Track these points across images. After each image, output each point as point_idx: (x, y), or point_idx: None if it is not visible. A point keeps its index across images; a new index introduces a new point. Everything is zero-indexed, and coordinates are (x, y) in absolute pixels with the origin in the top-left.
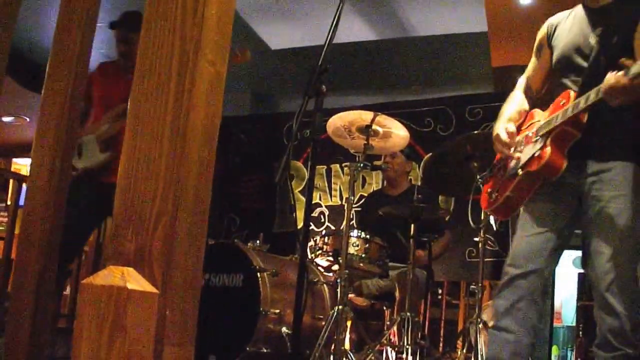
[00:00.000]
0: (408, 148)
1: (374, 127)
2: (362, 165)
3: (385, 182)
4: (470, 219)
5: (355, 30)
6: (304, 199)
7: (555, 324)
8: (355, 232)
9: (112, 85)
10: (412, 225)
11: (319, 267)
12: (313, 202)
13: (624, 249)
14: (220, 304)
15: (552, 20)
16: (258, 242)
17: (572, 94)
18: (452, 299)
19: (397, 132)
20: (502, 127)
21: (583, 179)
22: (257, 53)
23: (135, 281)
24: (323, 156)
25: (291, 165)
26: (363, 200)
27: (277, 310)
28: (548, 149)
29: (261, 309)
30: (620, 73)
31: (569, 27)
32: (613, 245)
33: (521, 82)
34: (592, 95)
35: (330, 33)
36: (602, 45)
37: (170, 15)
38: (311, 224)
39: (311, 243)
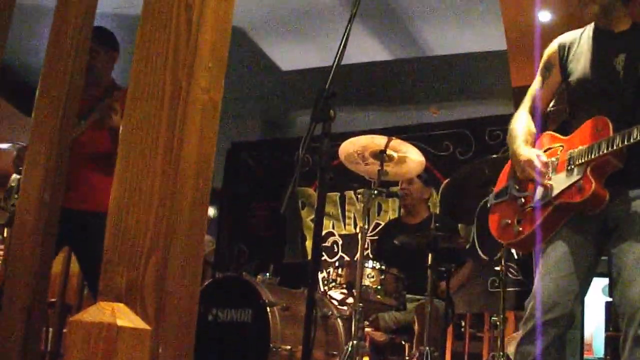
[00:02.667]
0: (426, 173)
1: (388, 152)
2: (376, 192)
3: (402, 210)
4: (479, 250)
5: (369, 50)
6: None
7: (585, 356)
8: (370, 263)
9: None
10: (430, 255)
11: (333, 300)
12: (326, 231)
13: None
14: (228, 340)
15: (564, 39)
16: (268, 274)
17: (610, 123)
18: (475, 331)
19: (412, 157)
20: (533, 153)
21: (615, 205)
22: (266, 75)
23: (126, 317)
24: (336, 183)
25: (302, 192)
26: (379, 228)
27: (288, 347)
28: (592, 180)
29: (271, 345)
30: None
31: (586, 49)
32: None
33: (526, 102)
34: (636, 132)
35: (339, 54)
36: (628, 71)
37: (162, 41)
38: (324, 254)
39: (324, 274)
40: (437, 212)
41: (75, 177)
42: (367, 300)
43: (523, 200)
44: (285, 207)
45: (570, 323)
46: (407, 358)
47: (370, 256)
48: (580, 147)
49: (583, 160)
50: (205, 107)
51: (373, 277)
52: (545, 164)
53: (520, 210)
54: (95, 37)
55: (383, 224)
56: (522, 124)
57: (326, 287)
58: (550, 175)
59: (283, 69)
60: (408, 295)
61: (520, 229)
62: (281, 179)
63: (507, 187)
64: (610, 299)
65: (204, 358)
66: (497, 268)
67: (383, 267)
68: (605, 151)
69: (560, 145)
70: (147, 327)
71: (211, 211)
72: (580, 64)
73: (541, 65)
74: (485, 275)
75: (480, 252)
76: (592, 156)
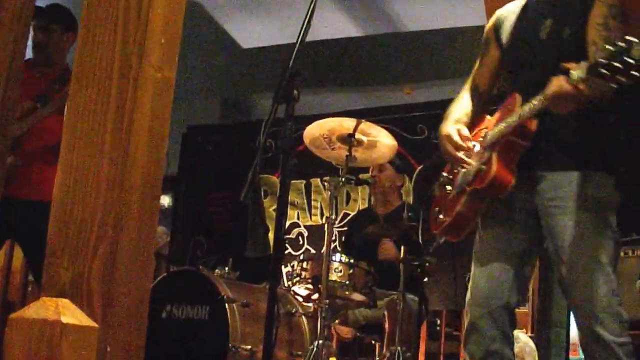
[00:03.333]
0: (399, 159)
1: (357, 135)
2: (344, 179)
3: (373, 199)
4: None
5: (337, 25)
6: None
7: (571, 357)
8: (337, 256)
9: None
10: (402, 248)
11: (297, 297)
12: (290, 221)
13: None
14: (183, 339)
15: (501, 11)
16: (227, 268)
17: (519, 97)
18: (452, 330)
19: (383, 141)
20: (453, 127)
21: (537, 194)
22: (226, 53)
23: (71, 314)
24: (302, 169)
25: (265, 180)
26: (348, 219)
27: (249, 347)
28: (494, 163)
29: (230, 344)
30: (563, 78)
31: (518, 19)
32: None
33: (468, 82)
34: (536, 103)
35: (303, 30)
36: (552, 39)
37: (110, 16)
38: (288, 246)
39: (288, 269)
40: (410, 201)
41: (29, 168)
42: (335, 296)
43: (449, 188)
44: (246, 196)
45: (511, 317)
46: (377, 358)
47: (338, 249)
48: (494, 128)
49: (490, 142)
50: (158, 87)
51: (341, 271)
52: (466, 139)
53: (446, 198)
54: (50, 15)
55: (352, 214)
56: (458, 103)
57: (290, 282)
58: (470, 160)
59: (244, 46)
60: (379, 291)
61: (442, 217)
62: (242, 166)
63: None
64: None
65: (157, 358)
66: None
67: (351, 260)
68: (506, 129)
69: (485, 127)
70: (94, 324)
71: (166, 200)
72: (510, 35)
73: (482, 41)
74: (463, 269)
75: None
76: (495, 136)
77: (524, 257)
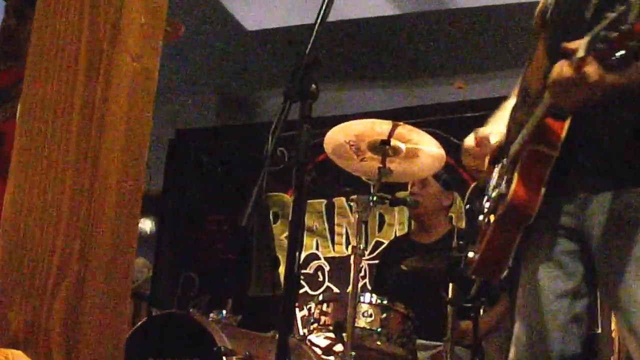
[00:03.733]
0: (447, 172)
1: (393, 142)
2: (375, 198)
3: (413, 224)
4: None
5: (368, 2)
6: None
7: None
8: (367, 297)
9: None
10: (451, 286)
11: (315, 348)
12: (307, 252)
13: None
14: None
15: None
16: (225, 312)
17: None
18: None
19: (427, 150)
20: (471, 135)
21: (584, 217)
22: (226, 37)
23: None
24: (322, 186)
25: (274, 200)
26: (381, 249)
27: None
28: (513, 182)
29: None
30: (564, 61)
31: (562, 3)
32: None
33: (518, 84)
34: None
35: (324, 7)
36: (597, 17)
37: None
38: (304, 284)
39: (304, 312)
40: (462, 225)
41: None
42: (363, 347)
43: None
44: (248, 220)
45: None
46: None
47: (369, 287)
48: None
49: (513, 153)
50: (136, 80)
51: (371, 315)
52: (482, 140)
53: (480, 227)
54: None
55: (386, 242)
56: (496, 118)
57: (306, 330)
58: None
59: (248, 28)
60: (420, 342)
61: (471, 255)
62: (245, 181)
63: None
64: None
65: None
66: None
67: (385, 302)
68: (524, 139)
69: None
70: None
71: (147, 225)
72: (552, 20)
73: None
74: None
75: None
76: (516, 148)
77: (576, 297)
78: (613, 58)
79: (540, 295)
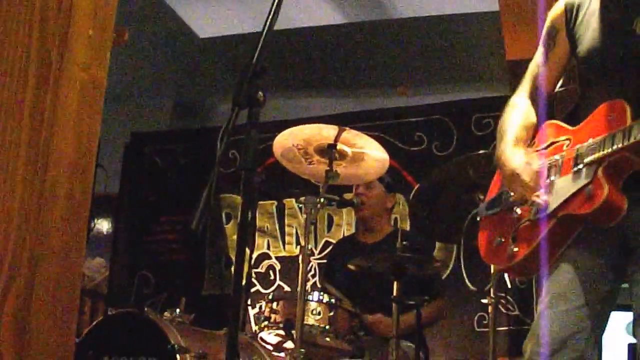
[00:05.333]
0: (390, 176)
1: (340, 146)
2: (323, 200)
3: (359, 225)
4: (466, 277)
5: (316, 10)
6: (247, 249)
7: None
8: (316, 295)
9: None
10: (395, 284)
11: (266, 345)
12: (259, 252)
13: None
14: None
15: None
16: (178, 310)
17: (628, 107)
18: None
19: (371, 154)
20: (521, 160)
21: (627, 221)
22: (179, 44)
23: None
24: (272, 188)
25: (227, 201)
26: (329, 249)
27: None
28: (604, 185)
29: None
30: None
31: (598, 9)
32: None
33: (525, 84)
34: None
35: (271, 16)
36: None
37: (26, 5)
38: (256, 283)
39: (255, 310)
40: (406, 227)
41: None
42: (312, 344)
43: (519, 212)
44: (198, 224)
45: None
46: None
47: (318, 286)
48: (590, 141)
49: (593, 158)
50: (85, 89)
51: (320, 313)
52: (537, 175)
53: (516, 225)
54: None
55: (334, 242)
56: (516, 114)
57: (257, 328)
58: (549, 179)
59: (201, 35)
60: (367, 338)
61: (516, 249)
62: (198, 183)
63: (500, 194)
64: (634, 340)
65: None
66: (485, 301)
67: (333, 300)
68: (620, 145)
69: (567, 139)
70: None
71: (104, 225)
72: (590, 28)
73: (544, 32)
74: (470, 310)
75: (467, 281)
76: (604, 152)
77: (609, 300)
78: None
79: (579, 289)
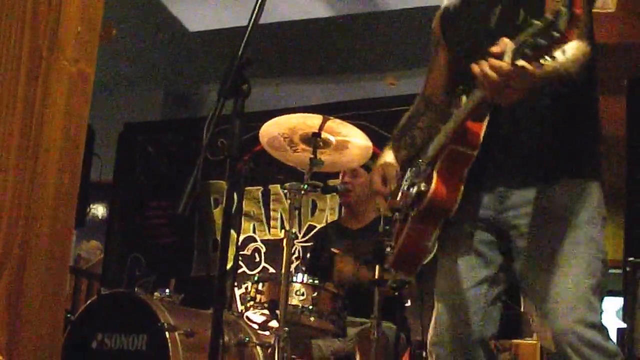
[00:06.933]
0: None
1: (324, 135)
2: (307, 186)
3: (344, 211)
4: None
5: (303, 3)
6: (234, 233)
7: None
8: (299, 277)
9: None
10: (377, 268)
11: (251, 324)
12: (245, 235)
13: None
14: None
15: (447, 3)
16: (168, 290)
17: (464, 99)
18: None
19: (355, 142)
20: (376, 170)
21: (503, 211)
22: (170, 38)
23: None
24: (258, 174)
25: (215, 187)
26: (313, 233)
27: None
28: (433, 181)
29: None
30: (493, 60)
31: (462, 9)
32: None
33: (422, 88)
34: (472, 97)
35: (257, 8)
36: (504, 27)
37: (18, 3)
38: (242, 264)
39: (241, 291)
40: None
41: None
42: (296, 323)
43: (397, 215)
44: (185, 209)
45: (488, 354)
46: None
47: (302, 268)
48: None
49: (430, 155)
50: (73, 83)
51: (303, 294)
52: (382, 180)
53: (394, 228)
54: None
55: (319, 227)
56: (403, 119)
57: (243, 307)
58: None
59: (191, 29)
60: (349, 318)
61: (390, 250)
62: (188, 170)
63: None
64: (624, 325)
65: None
66: None
67: (316, 281)
68: (443, 139)
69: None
70: None
71: (99, 210)
72: (457, 32)
73: (432, 41)
74: None
75: None
76: (435, 148)
77: (494, 283)
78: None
79: (461, 282)
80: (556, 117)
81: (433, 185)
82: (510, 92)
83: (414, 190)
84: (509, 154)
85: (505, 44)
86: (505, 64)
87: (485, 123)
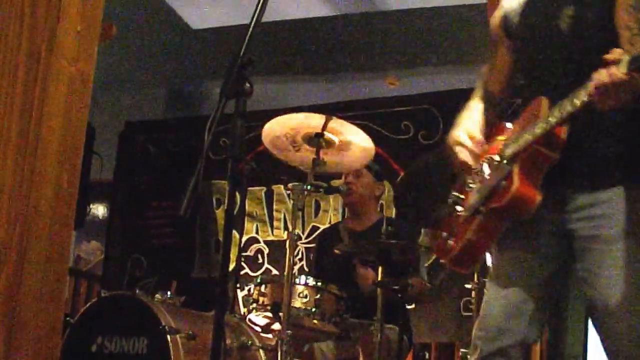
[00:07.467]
0: (377, 164)
1: (327, 135)
2: (310, 187)
3: (347, 212)
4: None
5: (305, 2)
6: (236, 233)
7: None
8: (302, 279)
9: None
10: (380, 269)
11: (254, 326)
12: (248, 236)
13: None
14: None
15: (507, 1)
16: (169, 293)
17: (545, 101)
18: None
19: (357, 142)
20: (461, 131)
21: (568, 214)
22: (173, 35)
23: None
24: (261, 174)
25: (217, 187)
26: (316, 234)
27: None
28: (516, 178)
29: None
30: (613, 67)
31: (528, 9)
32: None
33: (477, 87)
34: (574, 100)
35: (259, 7)
36: (575, 30)
37: (17, 1)
38: (245, 266)
39: (244, 293)
40: (392, 214)
41: None
42: (299, 326)
43: (459, 208)
44: (186, 210)
45: (525, 353)
46: None
47: (305, 269)
48: (512, 137)
49: (510, 154)
50: (73, 82)
51: (306, 296)
52: (479, 142)
53: (455, 220)
54: None
55: (322, 227)
56: (467, 114)
57: (246, 310)
58: (484, 175)
59: (194, 27)
60: (352, 320)
61: (452, 243)
62: (190, 170)
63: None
64: None
65: None
66: (469, 286)
67: (319, 283)
68: (529, 138)
69: (505, 137)
70: None
71: (100, 210)
72: (523, 28)
73: (490, 36)
74: (456, 295)
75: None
76: (519, 146)
77: (548, 286)
78: None
79: (516, 281)
80: (625, 125)
81: (516, 183)
82: (614, 100)
83: (488, 185)
84: (577, 157)
85: (621, 54)
86: (621, 72)
87: (566, 127)
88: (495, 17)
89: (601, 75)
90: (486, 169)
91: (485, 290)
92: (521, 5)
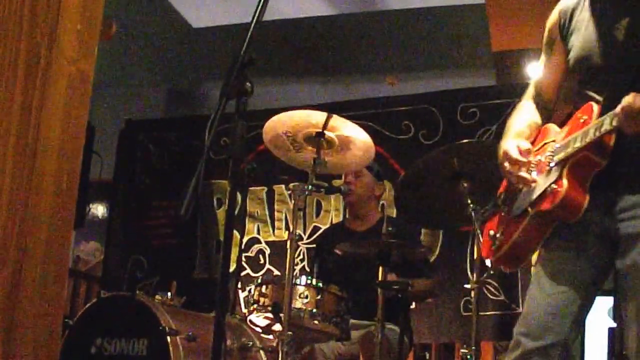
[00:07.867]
0: (378, 164)
1: (327, 134)
2: (310, 187)
3: (348, 212)
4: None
5: (305, 2)
6: (237, 233)
7: None
8: (303, 279)
9: None
10: (381, 269)
11: (255, 327)
12: (249, 236)
13: None
14: None
15: (565, 3)
16: (170, 294)
17: (596, 108)
18: None
19: (358, 142)
20: (513, 142)
21: (613, 216)
22: (173, 34)
23: None
24: (262, 174)
25: (218, 187)
26: (317, 235)
27: None
28: (564, 182)
29: None
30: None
31: (587, 15)
32: None
33: (530, 89)
34: (610, 118)
35: (260, 6)
36: (632, 41)
37: (16, 0)
38: (246, 266)
39: (245, 294)
40: (393, 213)
41: None
42: (300, 327)
43: (507, 208)
44: (187, 210)
45: (565, 355)
46: None
47: (307, 270)
48: (562, 142)
49: (559, 158)
50: (73, 82)
51: (307, 297)
52: (527, 152)
53: (505, 220)
54: None
55: (323, 228)
56: (518, 114)
57: (246, 310)
58: (533, 177)
59: (194, 25)
60: (353, 321)
61: (500, 243)
62: (191, 170)
63: (499, 196)
64: (614, 325)
65: None
66: (468, 286)
67: (320, 284)
68: (578, 146)
69: (553, 140)
70: None
71: (99, 210)
72: (580, 35)
73: (544, 40)
74: (456, 294)
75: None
76: (567, 152)
77: (591, 288)
78: None
79: (562, 281)
80: None
81: (566, 186)
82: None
83: (536, 188)
84: (624, 162)
85: None
86: None
87: (614, 136)
88: (552, 16)
89: (630, 101)
90: (534, 172)
91: (529, 289)
92: (578, 9)
